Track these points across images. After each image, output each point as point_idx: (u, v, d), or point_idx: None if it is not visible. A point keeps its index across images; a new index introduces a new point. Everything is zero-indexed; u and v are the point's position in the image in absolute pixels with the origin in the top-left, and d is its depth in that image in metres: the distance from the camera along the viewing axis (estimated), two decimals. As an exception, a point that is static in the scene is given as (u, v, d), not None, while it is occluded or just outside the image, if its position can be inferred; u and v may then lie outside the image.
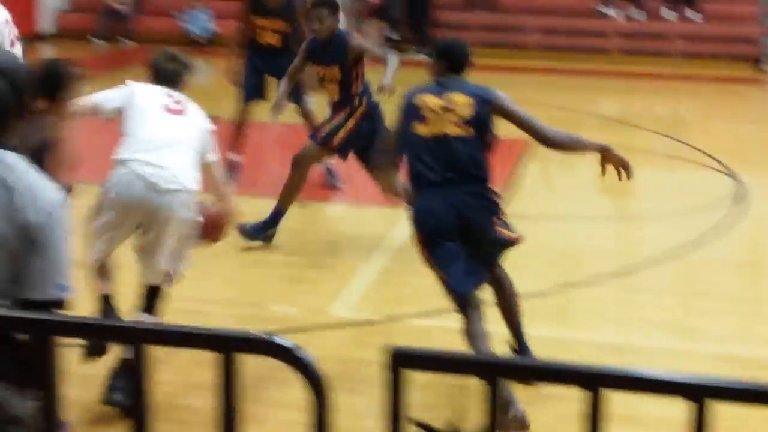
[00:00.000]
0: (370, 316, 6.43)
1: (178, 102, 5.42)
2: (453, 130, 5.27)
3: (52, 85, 4.77)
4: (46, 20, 19.52)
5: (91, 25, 18.98)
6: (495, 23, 19.58)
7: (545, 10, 19.54)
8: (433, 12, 19.23)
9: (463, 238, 5.13)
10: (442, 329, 6.00)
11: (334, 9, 7.84)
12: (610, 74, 17.48)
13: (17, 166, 2.99)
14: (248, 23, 9.52)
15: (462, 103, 5.33)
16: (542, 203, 9.37)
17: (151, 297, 5.34)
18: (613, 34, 19.22)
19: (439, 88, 5.44)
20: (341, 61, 7.70)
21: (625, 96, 16.17)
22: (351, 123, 7.72)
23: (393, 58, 7.66)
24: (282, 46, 9.33)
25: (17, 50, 6.12)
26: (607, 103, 15.87)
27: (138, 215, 5.14)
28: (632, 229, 8.95)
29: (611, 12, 19.29)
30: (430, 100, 5.36)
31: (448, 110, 5.30)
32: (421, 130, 5.28)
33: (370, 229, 7.22)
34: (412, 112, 5.36)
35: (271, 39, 9.40)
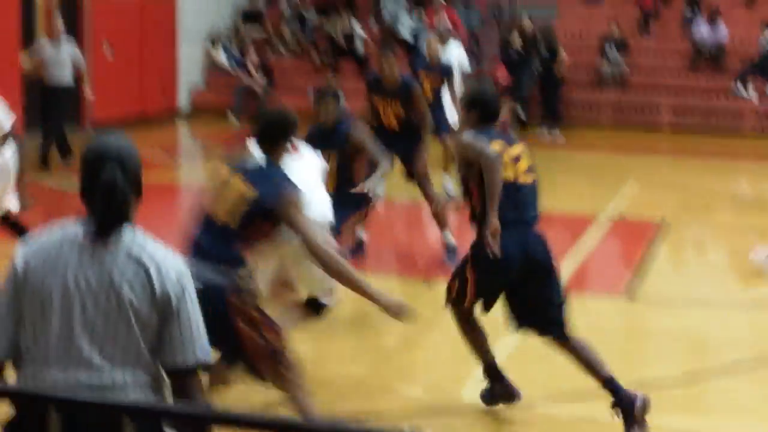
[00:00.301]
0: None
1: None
2: (525, 178, 5.66)
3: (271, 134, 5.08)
4: (183, 98, 20.12)
5: (226, 103, 19.47)
6: (625, 102, 19.42)
7: (677, 89, 19.32)
8: (563, 91, 19.18)
9: (524, 277, 5.56)
10: (571, 415, 5.85)
11: (337, 97, 8.05)
12: (744, 155, 17.10)
13: (146, 243, 3.15)
14: (371, 103, 9.61)
15: (523, 152, 5.73)
16: (673, 288, 9.12)
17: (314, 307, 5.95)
18: (748, 114, 18.86)
19: (501, 137, 5.72)
20: (341, 147, 7.81)
21: (760, 177, 15.77)
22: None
23: (384, 164, 7.84)
24: (403, 126, 9.39)
25: None
26: (741, 185, 15.50)
27: None
28: (768, 317, 8.63)
29: (746, 92, 18.93)
30: (504, 149, 5.62)
31: (519, 159, 5.66)
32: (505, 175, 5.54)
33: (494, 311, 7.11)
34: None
35: (391, 119, 9.47)
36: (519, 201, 5.58)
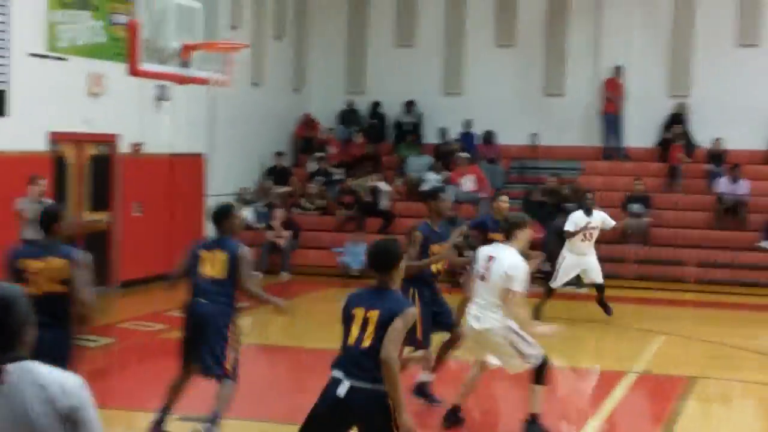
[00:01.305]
0: None
1: None
2: None
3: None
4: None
5: (253, 257, 19.66)
6: (650, 256, 19.50)
7: (701, 242, 19.41)
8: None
9: None
10: None
11: None
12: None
13: (41, 369, 3.53)
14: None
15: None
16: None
17: None
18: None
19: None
20: None
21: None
22: None
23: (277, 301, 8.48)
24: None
25: None
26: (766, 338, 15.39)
27: None
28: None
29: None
30: None
31: None
32: None
33: None
34: None
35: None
36: None
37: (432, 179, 21.43)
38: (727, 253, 19.27)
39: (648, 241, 19.76)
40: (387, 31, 23.94)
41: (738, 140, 21.11)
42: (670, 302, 17.01)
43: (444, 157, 22.02)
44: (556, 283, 14.96)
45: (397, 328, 5.52)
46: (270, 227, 20.11)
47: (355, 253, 19.61)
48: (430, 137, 23.13)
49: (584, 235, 14.81)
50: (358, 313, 5.65)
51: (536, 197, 19.16)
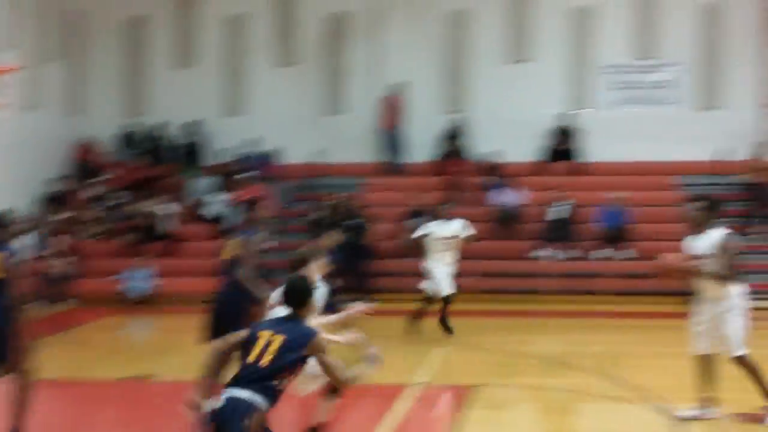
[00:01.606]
0: None
1: None
2: None
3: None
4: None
5: (32, 288, 19.03)
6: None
7: (481, 253, 19.98)
8: (372, 260, 19.61)
9: None
10: None
11: None
12: (547, 314, 17.72)
13: None
14: None
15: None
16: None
17: None
18: (547, 274, 19.64)
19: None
20: None
21: (562, 336, 16.34)
22: None
23: None
24: None
25: None
26: (545, 344, 15.99)
27: None
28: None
29: (545, 253, 19.78)
30: None
31: None
32: None
33: None
34: None
35: None
36: None
37: (217, 200, 21.33)
38: (505, 262, 19.93)
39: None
40: (166, 51, 23.72)
41: (512, 153, 21.91)
42: (452, 313, 17.41)
43: (229, 177, 21.94)
44: (444, 290, 14.92)
45: (325, 360, 6.31)
46: (48, 255, 19.50)
47: (136, 278, 19.28)
48: (214, 158, 23.01)
49: (444, 245, 14.91)
50: (263, 335, 6.22)
51: (315, 215, 19.34)
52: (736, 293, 9.12)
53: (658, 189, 21.52)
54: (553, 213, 20.22)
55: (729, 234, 9.07)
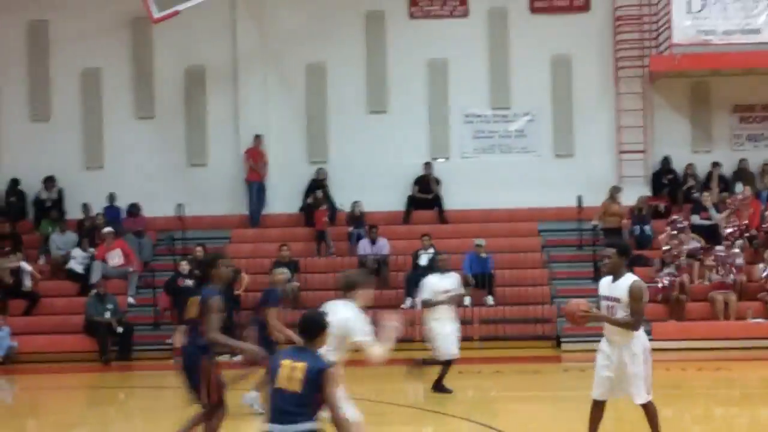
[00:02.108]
0: None
1: None
2: None
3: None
4: None
5: None
6: (298, 317, 19.86)
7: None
8: (239, 313, 19.49)
9: None
10: None
11: None
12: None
13: None
14: None
15: None
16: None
17: None
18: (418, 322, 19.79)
19: None
20: None
21: (429, 383, 16.46)
22: None
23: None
24: None
25: None
26: (417, 391, 16.08)
27: None
28: None
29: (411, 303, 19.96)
30: None
31: None
32: None
33: None
34: None
35: None
36: None
37: (78, 256, 20.89)
38: (376, 311, 19.96)
39: (297, 305, 20.16)
40: (21, 104, 23.20)
41: (376, 202, 22.11)
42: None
43: (89, 232, 21.52)
44: (443, 354, 13.95)
45: (331, 392, 6.45)
46: None
47: (-3, 337, 18.72)
48: (74, 213, 22.52)
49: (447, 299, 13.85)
50: (286, 363, 6.44)
51: (181, 282, 19.12)
52: (643, 339, 9.15)
53: (520, 235, 22.00)
54: (422, 260, 20.35)
55: (638, 281, 9.12)
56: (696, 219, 21.08)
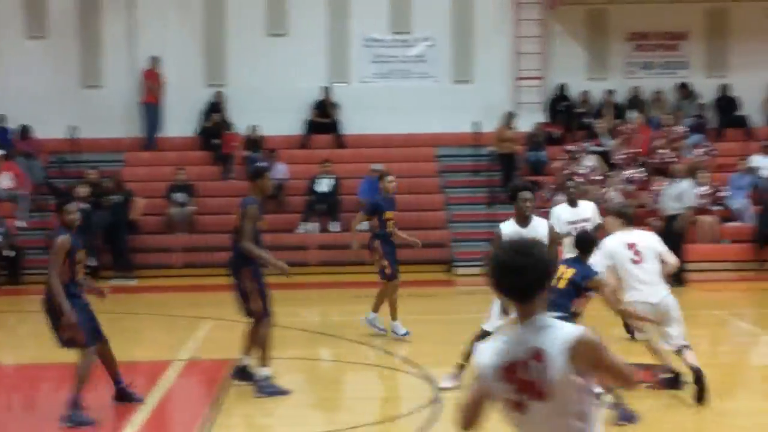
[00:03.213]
0: None
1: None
2: None
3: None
4: None
5: None
6: (195, 243, 19.79)
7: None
8: (135, 236, 19.29)
9: None
10: None
11: None
12: (312, 286, 17.89)
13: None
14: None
15: None
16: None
17: None
18: (311, 247, 19.85)
19: None
20: None
21: (327, 307, 16.57)
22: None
23: None
24: None
25: None
26: (311, 315, 16.18)
27: None
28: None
29: (311, 226, 19.98)
30: None
31: None
32: None
33: None
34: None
35: None
36: None
37: (-32, 179, 20.41)
38: (272, 235, 19.93)
39: (193, 229, 20.04)
40: None
41: (274, 126, 21.95)
42: (217, 288, 17.34)
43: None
44: None
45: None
46: None
47: None
48: (-38, 134, 21.93)
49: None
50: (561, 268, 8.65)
51: (79, 192, 18.80)
52: None
53: (417, 161, 22.08)
54: (317, 186, 20.34)
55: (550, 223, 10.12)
56: (589, 146, 21.36)
